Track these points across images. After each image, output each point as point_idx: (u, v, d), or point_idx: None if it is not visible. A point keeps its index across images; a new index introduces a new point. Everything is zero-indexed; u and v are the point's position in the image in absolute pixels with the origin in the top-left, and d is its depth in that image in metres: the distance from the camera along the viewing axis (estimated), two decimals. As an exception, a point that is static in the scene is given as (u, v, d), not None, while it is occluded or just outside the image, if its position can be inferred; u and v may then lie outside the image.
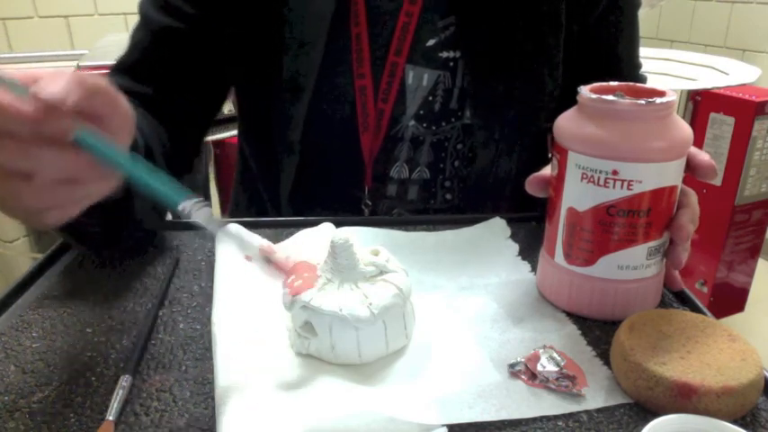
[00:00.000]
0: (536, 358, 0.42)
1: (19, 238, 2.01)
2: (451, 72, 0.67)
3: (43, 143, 0.34)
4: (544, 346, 0.43)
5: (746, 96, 1.67)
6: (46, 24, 2.13)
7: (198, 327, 0.47)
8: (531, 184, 0.52)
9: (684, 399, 0.37)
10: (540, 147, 0.73)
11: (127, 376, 0.41)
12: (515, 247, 0.59)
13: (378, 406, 0.37)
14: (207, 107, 0.73)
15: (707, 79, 1.82)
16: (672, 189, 0.45)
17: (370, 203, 0.72)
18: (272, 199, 0.74)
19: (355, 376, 0.41)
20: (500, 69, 0.67)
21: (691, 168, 0.47)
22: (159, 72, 0.66)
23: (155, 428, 0.37)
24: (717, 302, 1.88)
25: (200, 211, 0.38)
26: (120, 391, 0.39)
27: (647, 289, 0.48)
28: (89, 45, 1.83)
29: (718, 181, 1.76)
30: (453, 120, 0.69)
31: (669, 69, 1.96)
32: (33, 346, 0.45)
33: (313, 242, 0.55)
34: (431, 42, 0.67)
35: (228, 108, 1.69)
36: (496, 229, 0.61)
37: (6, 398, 0.40)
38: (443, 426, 0.36)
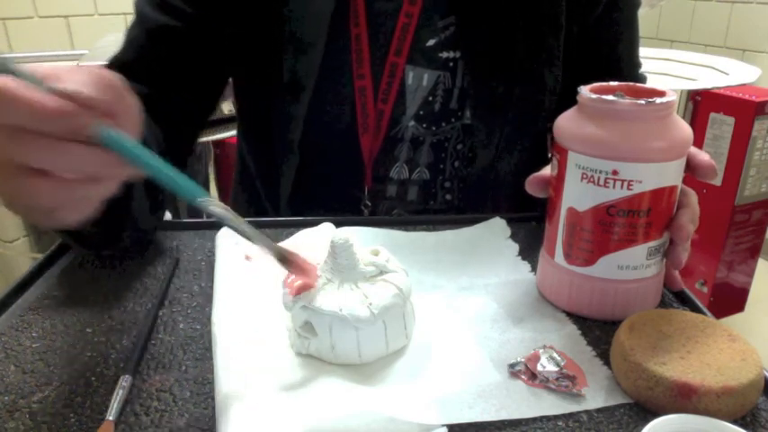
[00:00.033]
0: (536, 358, 0.42)
1: (19, 238, 2.01)
2: (451, 72, 0.67)
3: (64, 139, 0.33)
4: (544, 346, 0.43)
5: (746, 96, 1.67)
6: (46, 24, 2.13)
7: (198, 327, 0.47)
8: (531, 184, 0.52)
9: (684, 399, 0.37)
10: (540, 147, 0.73)
11: (127, 376, 0.41)
12: (515, 247, 0.59)
13: (378, 406, 0.37)
14: (203, 106, 0.72)
15: (707, 79, 1.82)
16: (672, 189, 0.45)
17: (369, 204, 0.72)
18: (272, 199, 0.74)
19: (355, 376, 0.41)
20: (500, 69, 0.66)
21: (691, 168, 0.47)
22: (155, 71, 0.65)
23: (155, 428, 0.37)
24: (717, 302, 1.89)
25: (215, 206, 0.38)
26: (120, 391, 0.39)
27: (647, 289, 0.48)
28: (89, 45, 1.83)
29: (718, 181, 1.76)
30: (453, 120, 0.69)
31: (669, 69, 1.96)
32: (33, 346, 0.45)
33: (313, 242, 0.55)
34: (431, 42, 0.67)
35: (228, 108, 1.69)
36: (496, 229, 0.61)
37: (6, 398, 0.40)
38: (443, 426, 0.36)
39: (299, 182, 0.70)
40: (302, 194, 0.71)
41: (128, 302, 0.51)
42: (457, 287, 0.52)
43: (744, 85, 1.73)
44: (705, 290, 1.89)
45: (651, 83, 0.60)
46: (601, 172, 0.44)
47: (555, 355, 0.42)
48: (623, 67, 0.73)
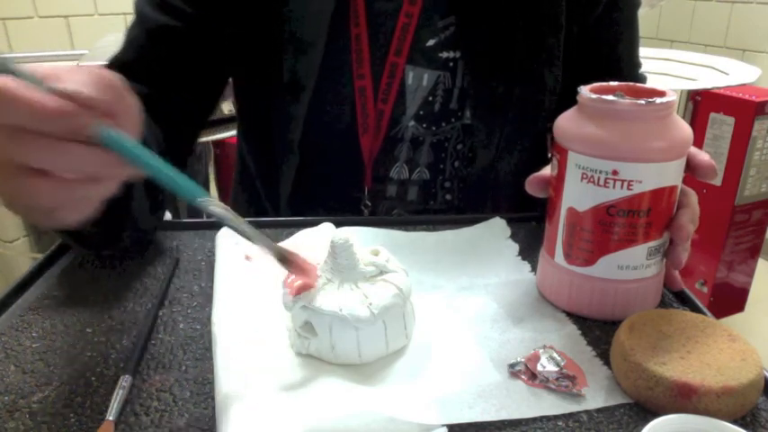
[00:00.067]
0: (536, 358, 0.42)
1: (19, 238, 2.01)
2: (451, 72, 0.67)
3: (64, 139, 0.33)
4: (544, 346, 0.43)
5: (746, 96, 1.67)
6: (46, 24, 2.12)
7: (198, 327, 0.47)
8: (531, 184, 0.52)
9: (684, 399, 0.37)
10: (540, 147, 0.73)
11: (127, 376, 0.41)
12: (515, 247, 0.59)
13: (378, 406, 0.37)
14: (203, 106, 0.72)
15: (707, 79, 1.82)
16: (672, 189, 0.45)
17: (369, 204, 0.72)
18: (272, 199, 0.74)
19: (355, 376, 0.41)
20: (500, 69, 0.66)
21: (691, 168, 0.47)
22: (155, 71, 0.65)
23: (155, 428, 0.37)
24: (717, 302, 1.89)
25: (215, 206, 0.38)
26: (120, 391, 0.39)
27: (647, 289, 0.48)
28: (89, 45, 1.83)
29: (718, 181, 1.76)
30: (453, 120, 0.69)
31: (669, 69, 1.96)
32: (33, 346, 0.45)
33: (313, 242, 0.55)
34: (431, 43, 0.67)
35: (228, 108, 1.69)
36: (496, 229, 0.61)
37: (6, 398, 0.40)
38: (443, 426, 0.36)
39: (299, 182, 0.70)
40: (302, 194, 0.71)
41: (128, 302, 0.51)
42: (457, 287, 0.52)
43: (744, 85, 1.73)
44: (705, 290, 1.89)
45: (651, 83, 0.60)
46: (601, 172, 0.44)
47: (555, 355, 0.42)
48: (623, 67, 0.73)
